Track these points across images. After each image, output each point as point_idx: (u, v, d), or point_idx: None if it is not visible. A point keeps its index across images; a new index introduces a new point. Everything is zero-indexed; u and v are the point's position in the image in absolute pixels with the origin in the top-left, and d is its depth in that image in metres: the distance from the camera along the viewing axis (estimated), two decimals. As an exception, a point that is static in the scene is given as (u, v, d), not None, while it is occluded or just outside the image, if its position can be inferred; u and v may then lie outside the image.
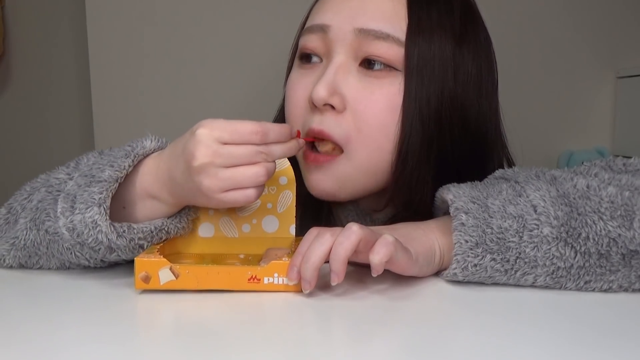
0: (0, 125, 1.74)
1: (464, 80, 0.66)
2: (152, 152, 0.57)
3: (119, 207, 0.56)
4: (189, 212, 0.60)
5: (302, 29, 0.71)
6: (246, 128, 0.51)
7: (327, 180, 0.66)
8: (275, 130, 0.53)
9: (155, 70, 1.50)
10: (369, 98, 0.64)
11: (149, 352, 0.41)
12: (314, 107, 0.65)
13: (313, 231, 0.52)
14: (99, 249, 0.54)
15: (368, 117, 0.64)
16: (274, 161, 0.53)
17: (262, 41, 1.48)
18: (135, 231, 0.55)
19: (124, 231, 0.54)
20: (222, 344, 0.42)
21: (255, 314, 0.48)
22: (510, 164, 0.74)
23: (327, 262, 0.50)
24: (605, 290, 0.53)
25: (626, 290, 0.53)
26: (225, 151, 0.51)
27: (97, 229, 0.52)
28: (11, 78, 1.73)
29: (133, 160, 0.55)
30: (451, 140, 0.65)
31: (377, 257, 0.48)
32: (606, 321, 0.47)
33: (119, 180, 0.54)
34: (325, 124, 0.64)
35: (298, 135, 0.57)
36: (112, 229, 0.53)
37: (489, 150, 0.70)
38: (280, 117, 0.75)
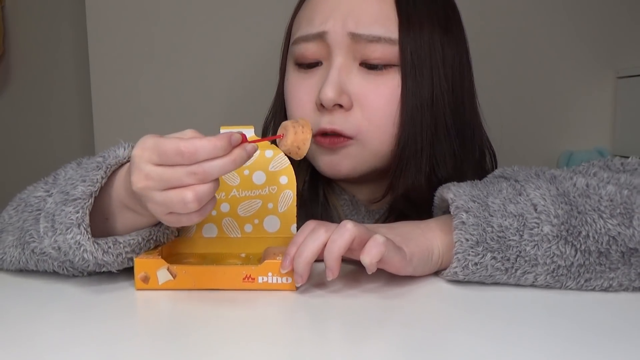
0: (0, 125, 1.75)
1: (452, 64, 0.70)
2: (127, 161, 0.55)
3: (101, 219, 0.55)
4: None
5: (290, 35, 0.73)
6: (171, 148, 0.46)
7: (342, 163, 0.70)
8: (207, 147, 0.46)
9: (155, 70, 1.50)
10: (375, 92, 0.67)
11: (145, 348, 0.41)
12: (322, 107, 0.68)
13: (310, 224, 0.53)
14: (87, 266, 0.54)
15: (375, 110, 0.67)
16: (216, 179, 0.48)
17: (262, 41, 1.48)
18: (122, 245, 0.54)
19: (109, 247, 0.53)
20: (215, 339, 0.42)
21: (250, 312, 0.48)
22: (489, 148, 0.77)
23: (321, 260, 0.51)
24: (606, 289, 0.53)
25: (626, 288, 0.53)
26: (156, 174, 0.47)
27: (82, 248, 0.51)
28: (11, 78, 1.73)
29: (105, 172, 0.53)
30: (444, 119, 0.69)
31: (368, 258, 0.49)
32: (606, 321, 0.47)
33: (93, 195, 0.52)
34: (337, 123, 0.68)
35: (244, 140, 0.49)
36: (97, 246, 0.52)
37: (471, 131, 0.74)
38: (277, 118, 0.77)
